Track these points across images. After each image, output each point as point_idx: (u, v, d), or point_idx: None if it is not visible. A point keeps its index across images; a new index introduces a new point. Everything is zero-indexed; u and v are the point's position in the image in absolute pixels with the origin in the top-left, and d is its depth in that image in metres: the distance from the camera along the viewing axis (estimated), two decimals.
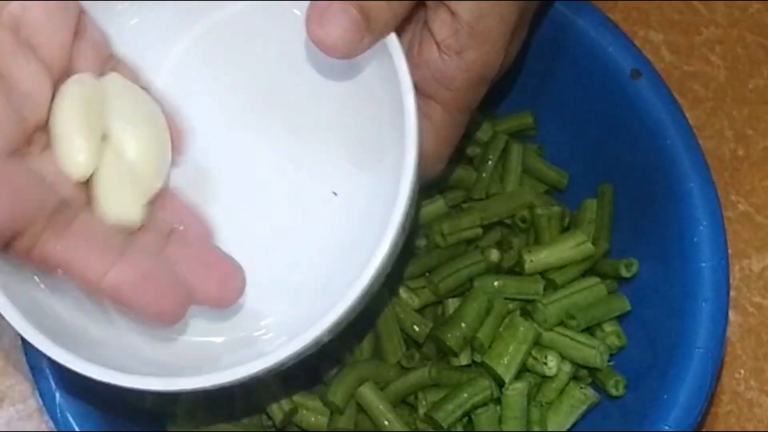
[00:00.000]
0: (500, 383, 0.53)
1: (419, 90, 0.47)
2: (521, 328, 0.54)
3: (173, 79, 0.50)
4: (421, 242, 0.56)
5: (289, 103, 0.50)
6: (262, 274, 0.48)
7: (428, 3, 0.48)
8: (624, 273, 0.55)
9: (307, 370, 0.55)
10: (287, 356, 0.44)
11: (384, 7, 0.45)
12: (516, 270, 0.56)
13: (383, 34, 0.46)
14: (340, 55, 0.45)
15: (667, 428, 0.50)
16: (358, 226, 0.49)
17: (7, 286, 0.45)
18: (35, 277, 0.47)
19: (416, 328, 0.55)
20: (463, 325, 0.53)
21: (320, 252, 0.49)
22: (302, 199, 0.50)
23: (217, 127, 0.50)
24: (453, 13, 0.48)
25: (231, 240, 0.49)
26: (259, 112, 0.51)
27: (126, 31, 0.49)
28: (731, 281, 0.53)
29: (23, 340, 0.51)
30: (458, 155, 0.59)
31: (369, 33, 0.45)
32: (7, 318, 0.45)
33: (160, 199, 0.47)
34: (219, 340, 0.49)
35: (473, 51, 0.48)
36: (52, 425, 0.52)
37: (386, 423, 0.53)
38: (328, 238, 0.49)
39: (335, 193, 0.50)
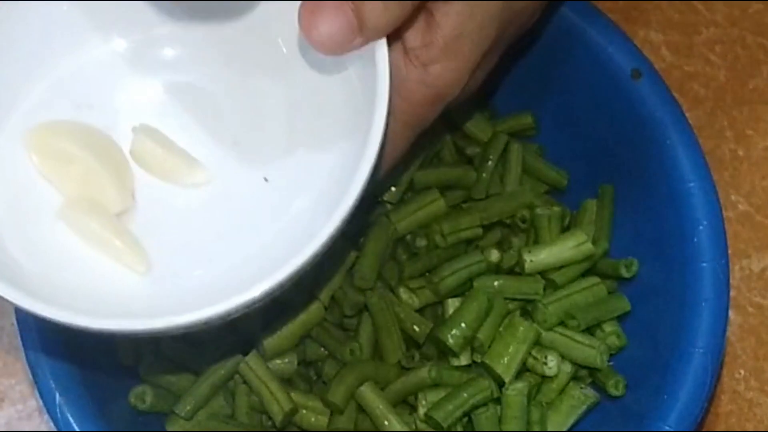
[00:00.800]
0: (500, 383, 0.53)
1: None
2: (521, 328, 0.54)
3: (128, 44, 0.51)
4: (421, 242, 0.56)
5: (237, 82, 0.51)
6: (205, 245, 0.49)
7: None
8: (624, 273, 0.55)
9: (307, 370, 0.56)
10: (262, 292, 0.44)
11: (380, 13, 0.45)
12: (516, 270, 0.56)
13: (375, 37, 0.45)
14: (327, 51, 0.45)
15: (667, 428, 0.50)
16: (294, 210, 0.49)
17: None
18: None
19: (416, 328, 0.55)
20: (463, 325, 0.53)
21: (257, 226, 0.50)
22: (234, 182, 0.50)
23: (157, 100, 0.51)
24: (431, 25, 0.47)
25: (169, 214, 0.50)
26: (203, 86, 0.51)
27: None
28: (731, 281, 0.53)
29: (23, 339, 0.52)
30: (458, 155, 0.60)
31: (361, 35, 0.45)
32: None
33: None
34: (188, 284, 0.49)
35: (439, 67, 0.47)
36: (52, 425, 0.52)
37: (386, 423, 0.53)
38: (263, 219, 0.49)
39: (266, 179, 0.50)
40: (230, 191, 0.50)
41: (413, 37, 0.47)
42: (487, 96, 0.61)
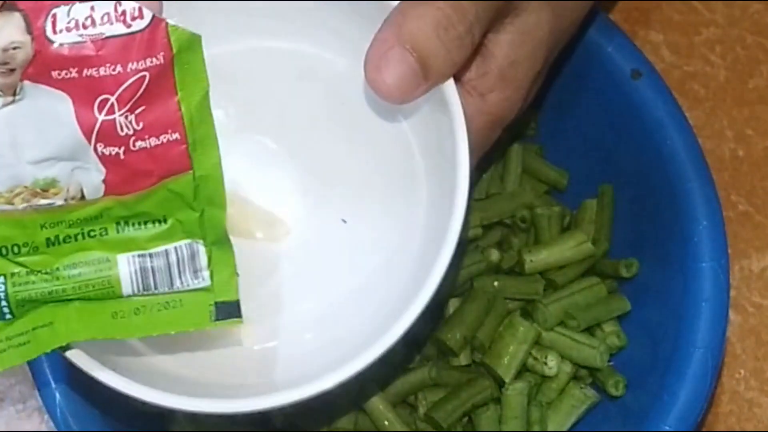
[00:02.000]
0: (500, 383, 0.53)
1: None
2: (521, 328, 0.54)
3: None
4: None
5: (307, 123, 0.50)
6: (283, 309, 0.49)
7: None
8: (624, 273, 0.55)
9: None
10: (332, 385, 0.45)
11: (443, 57, 0.45)
12: (516, 270, 0.56)
13: (440, 82, 0.46)
14: (394, 100, 0.45)
15: (667, 428, 0.50)
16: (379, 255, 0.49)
17: None
18: None
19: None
20: (463, 325, 0.53)
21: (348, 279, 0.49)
22: (310, 224, 0.50)
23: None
24: (484, 56, 0.48)
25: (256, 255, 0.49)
26: (276, 130, 0.50)
27: None
28: (731, 281, 0.53)
29: None
30: None
31: (425, 81, 0.45)
32: None
33: None
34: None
35: (497, 95, 0.48)
36: (52, 425, 0.52)
37: (386, 423, 0.53)
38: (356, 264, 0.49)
39: (344, 221, 0.50)
40: (310, 238, 0.49)
41: (468, 68, 0.48)
42: None
